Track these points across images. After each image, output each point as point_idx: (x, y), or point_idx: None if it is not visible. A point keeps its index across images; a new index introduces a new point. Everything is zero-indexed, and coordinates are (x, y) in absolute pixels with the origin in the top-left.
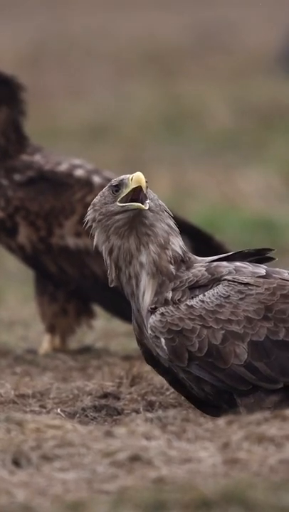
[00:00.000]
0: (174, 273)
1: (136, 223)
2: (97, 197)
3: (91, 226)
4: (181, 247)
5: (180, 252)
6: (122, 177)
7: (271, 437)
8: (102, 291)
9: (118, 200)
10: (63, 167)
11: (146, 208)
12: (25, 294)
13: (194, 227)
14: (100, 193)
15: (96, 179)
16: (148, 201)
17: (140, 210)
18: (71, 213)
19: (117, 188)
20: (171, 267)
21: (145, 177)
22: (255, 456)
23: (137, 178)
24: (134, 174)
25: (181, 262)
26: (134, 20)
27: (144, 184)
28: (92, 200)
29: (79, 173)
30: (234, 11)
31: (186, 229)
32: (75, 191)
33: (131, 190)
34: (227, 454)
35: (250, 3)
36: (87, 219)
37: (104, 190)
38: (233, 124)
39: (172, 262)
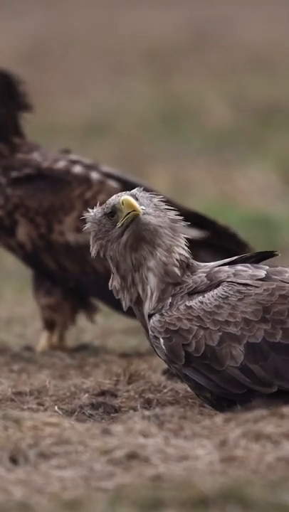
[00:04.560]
0: (181, 277)
1: (140, 231)
2: (94, 226)
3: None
4: (186, 250)
5: (186, 255)
6: (112, 202)
7: (268, 435)
8: (103, 286)
9: (118, 226)
10: (61, 164)
11: (141, 212)
12: (23, 291)
13: (196, 214)
14: (96, 221)
15: (94, 175)
16: (142, 207)
17: (137, 215)
18: (70, 210)
19: (112, 213)
20: (177, 270)
21: (143, 174)
22: (252, 453)
23: (127, 203)
24: (123, 198)
25: (186, 267)
26: (131, 17)
27: (137, 208)
28: (91, 197)
29: (77, 169)
30: (231, 7)
31: (187, 216)
32: (74, 188)
33: (126, 215)
34: (224, 452)
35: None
36: (93, 249)
37: (100, 218)
38: (231, 121)
39: (178, 265)
